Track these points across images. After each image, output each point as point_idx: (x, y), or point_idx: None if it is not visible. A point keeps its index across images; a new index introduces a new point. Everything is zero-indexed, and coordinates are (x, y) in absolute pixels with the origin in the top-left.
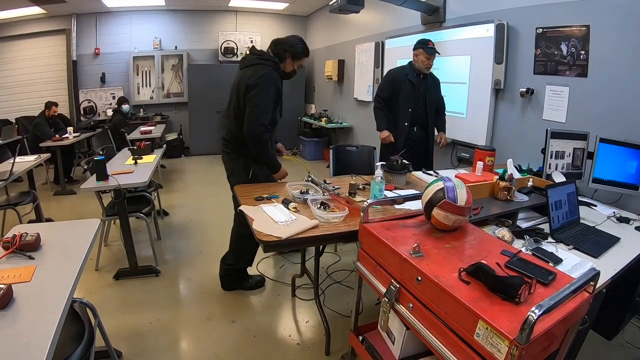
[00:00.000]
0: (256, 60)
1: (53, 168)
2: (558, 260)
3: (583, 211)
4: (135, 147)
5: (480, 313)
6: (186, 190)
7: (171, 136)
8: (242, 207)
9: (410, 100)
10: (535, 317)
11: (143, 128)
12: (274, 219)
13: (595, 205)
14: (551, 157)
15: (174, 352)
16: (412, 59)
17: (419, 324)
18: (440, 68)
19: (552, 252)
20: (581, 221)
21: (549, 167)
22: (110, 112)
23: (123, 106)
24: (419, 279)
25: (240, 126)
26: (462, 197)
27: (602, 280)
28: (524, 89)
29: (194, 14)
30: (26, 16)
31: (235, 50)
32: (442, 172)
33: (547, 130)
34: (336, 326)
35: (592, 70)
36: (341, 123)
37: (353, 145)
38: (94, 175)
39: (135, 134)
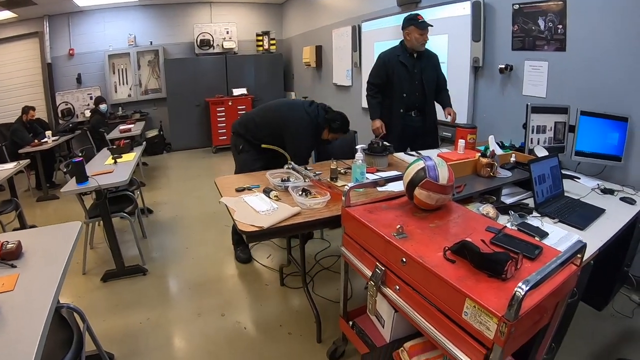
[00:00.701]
0: (306, 110)
1: (34, 174)
2: (544, 234)
3: (567, 184)
4: (114, 147)
5: (466, 291)
6: (169, 187)
7: (151, 133)
8: (222, 199)
9: (404, 84)
10: (522, 293)
11: (122, 127)
12: (256, 208)
13: (579, 178)
14: (532, 132)
15: (166, 351)
16: (403, 39)
17: (406, 305)
18: None
19: (537, 227)
20: (565, 194)
21: (531, 142)
22: (88, 113)
23: (100, 106)
24: (404, 260)
25: (260, 129)
26: (443, 175)
27: (590, 252)
28: (503, 66)
29: (168, 8)
30: None
31: (211, 42)
32: (425, 153)
33: (527, 105)
34: (327, 313)
35: (571, 44)
36: None
37: None
38: (75, 178)
39: (114, 133)
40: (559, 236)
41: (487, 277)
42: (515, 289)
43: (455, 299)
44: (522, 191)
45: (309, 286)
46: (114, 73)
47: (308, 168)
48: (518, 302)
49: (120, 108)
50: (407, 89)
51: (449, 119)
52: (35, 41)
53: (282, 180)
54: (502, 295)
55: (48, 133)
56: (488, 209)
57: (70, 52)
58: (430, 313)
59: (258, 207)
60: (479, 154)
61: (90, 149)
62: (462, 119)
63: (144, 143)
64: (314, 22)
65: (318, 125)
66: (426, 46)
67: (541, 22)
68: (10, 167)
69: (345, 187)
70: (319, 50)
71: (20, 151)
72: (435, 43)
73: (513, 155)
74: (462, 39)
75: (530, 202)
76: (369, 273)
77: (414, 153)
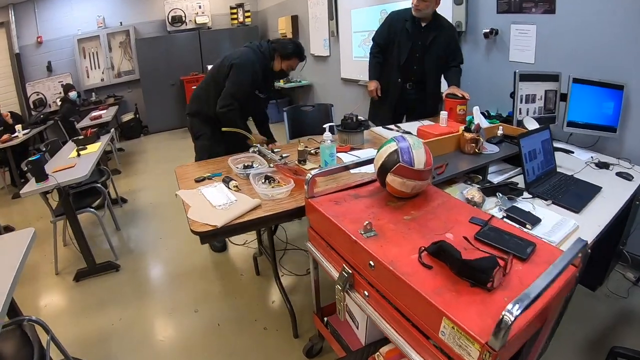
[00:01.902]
0: (247, 45)
1: (8, 170)
2: (536, 221)
3: (559, 158)
4: (79, 137)
5: (443, 309)
6: (145, 172)
7: (127, 117)
8: (179, 192)
9: (402, 53)
10: (512, 319)
11: (93, 114)
12: (212, 202)
13: (572, 152)
14: (521, 101)
15: (140, 353)
16: None
17: (376, 315)
18: None
19: (529, 212)
20: (558, 170)
21: (520, 113)
22: (59, 102)
23: (70, 94)
24: (372, 264)
25: (209, 93)
26: (419, 158)
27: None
28: (488, 30)
29: None
30: None
31: (184, 18)
32: (405, 125)
33: (515, 72)
34: (305, 303)
35: (561, 6)
36: (300, 82)
37: (308, 105)
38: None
39: (86, 122)
40: (553, 222)
41: (469, 285)
42: (503, 313)
43: (431, 315)
44: (511, 167)
45: (282, 276)
46: (84, 58)
47: (275, 150)
48: (506, 328)
49: (93, 93)
50: (404, 59)
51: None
52: (1, 32)
53: (245, 167)
54: (486, 312)
55: (18, 127)
56: (473, 193)
57: (39, 39)
58: (403, 327)
59: (215, 200)
60: (463, 127)
61: (56, 142)
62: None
63: (112, 130)
64: None
65: (263, 55)
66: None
67: None
68: None
69: (308, 175)
70: (294, 20)
71: None
72: None
73: (500, 127)
74: (443, 3)
75: (520, 180)
76: (336, 274)
77: (392, 127)
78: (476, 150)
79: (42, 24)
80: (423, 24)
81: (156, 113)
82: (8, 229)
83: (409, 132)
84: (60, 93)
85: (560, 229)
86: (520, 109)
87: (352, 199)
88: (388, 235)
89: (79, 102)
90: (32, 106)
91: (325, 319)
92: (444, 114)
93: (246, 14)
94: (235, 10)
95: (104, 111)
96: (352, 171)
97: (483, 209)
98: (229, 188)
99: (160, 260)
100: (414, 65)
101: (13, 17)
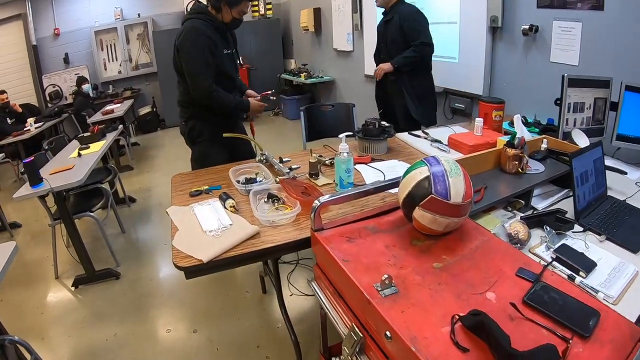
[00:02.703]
0: (185, 18)
1: (18, 165)
2: (590, 266)
3: (609, 178)
4: (84, 135)
5: None
6: (159, 170)
7: (144, 110)
8: (169, 210)
9: (377, 44)
10: None
11: (106, 108)
12: (203, 226)
13: (626, 173)
14: (568, 110)
15: None
16: None
17: None
18: (424, 7)
19: (581, 253)
20: (608, 193)
21: (566, 123)
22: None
23: (83, 86)
24: (388, 335)
25: (185, 89)
26: (457, 189)
27: None
28: (527, 26)
29: None
30: None
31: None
32: (434, 132)
33: (563, 77)
34: (314, 330)
35: (610, 2)
36: (322, 77)
37: (327, 104)
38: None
39: (97, 116)
40: (609, 267)
41: None
42: None
43: None
44: (555, 189)
45: (290, 295)
46: (102, 50)
47: (285, 159)
48: None
49: (110, 86)
50: (375, 51)
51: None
52: (19, 24)
53: (247, 181)
54: None
55: (30, 120)
56: (517, 227)
57: (56, 31)
58: None
59: (206, 223)
60: (505, 139)
61: (61, 139)
62: (477, 88)
63: (120, 127)
64: None
65: (202, 14)
66: (432, 3)
67: None
68: None
69: (315, 202)
70: (317, 13)
71: (1, 142)
72: (445, 0)
73: (544, 140)
74: None
75: (567, 205)
76: (344, 330)
77: (420, 134)
78: (519, 169)
79: (59, 15)
80: (387, 14)
81: (174, 107)
82: (14, 225)
83: (438, 141)
84: (74, 86)
85: (618, 277)
86: (567, 120)
87: (370, 233)
88: (412, 293)
89: (95, 94)
90: (48, 98)
91: None
92: (479, 121)
93: (267, 6)
94: (256, 3)
95: (117, 105)
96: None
97: (528, 247)
98: (225, 208)
99: (163, 270)
100: (381, 55)
101: (30, 8)
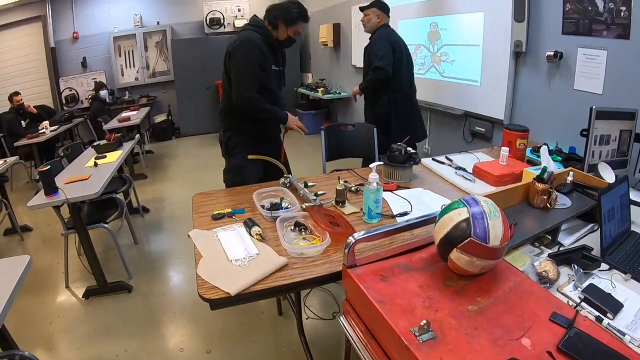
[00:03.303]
0: (243, 28)
1: (34, 166)
2: (617, 307)
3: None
4: (100, 143)
5: None
6: (173, 179)
7: (160, 118)
8: (192, 234)
9: None
10: None
11: (123, 114)
12: (228, 254)
13: None
14: (595, 142)
15: None
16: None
17: None
18: (448, 28)
19: (609, 293)
20: (631, 227)
21: (592, 156)
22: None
23: (101, 92)
24: None
25: (229, 98)
26: (496, 232)
27: None
28: (551, 53)
29: None
30: None
31: (222, 21)
32: (458, 158)
33: (591, 109)
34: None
35: (636, 31)
36: (339, 93)
37: (348, 123)
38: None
39: (113, 123)
40: (635, 308)
41: None
42: None
43: None
44: (581, 223)
45: (306, 319)
46: (120, 56)
47: (310, 184)
48: None
49: (127, 92)
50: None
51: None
52: (38, 25)
53: (272, 206)
54: None
55: (45, 123)
56: (547, 266)
57: (75, 35)
58: None
59: (232, 251)
60: (531, 171)
61: (77, 146)
62: (498, 113)
63: (137, 136)
64: None
65: (259, 27)
66: (456, 25)
67: (600, 2)
68: None
69: (350, 238)
70: (336, 28)
71: (16, 144)
72: (469, 22)
73: (570, 173)
74: (501, 18)
75: (592, 240)
76: None
77: (444, 160)
78: (547, 204)
79: (78, 19)
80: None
81: (189, 116)
82: (25, 229)
83: (463, 169)
84: (92, 90)
85: None
86: (592, 152)
87: (402, 271)
88: (449, 339)
89: (111, 100)
90: (64, 101)
91: None
92: (504, 151)
93: None
94: None
95: (134, 112)
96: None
97: (556, 286)
98: (250, 235)
99: (175, 285)
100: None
101: (50, 11)
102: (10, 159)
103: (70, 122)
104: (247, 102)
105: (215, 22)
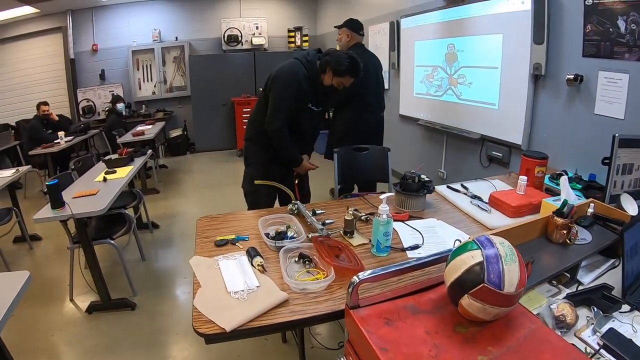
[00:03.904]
0: (295, 55)
1: (47, 175)
2: (639, 356)
3: None
4: (111, 158)
5: None
6: (184, 196)
7: (175, 132)
8: (192, 262)
9: None
10: None
11: (139, 128)
12: (227, 285)
13: None
14: (617, 172)
15: None
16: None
17: None
18: (465, 50)
19: (629, 340)
20: None
21: (614, 186)
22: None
23: (118, 105)
24: None
25: (262, 111)
26: (511, 277)
27: None
28: (572, 76)
29: (194, 2)
30: (20, 17)
31: (240, 38)
32: (473, 185)
33: (614, 137)
34: None
35: None
36: None
37: (362, 146)
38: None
39: (127, 137)
40: None
41: None
42: None
43: None
44: (601, 259)
45: (311, 348)
46: (138, 69)
47: (318, 212)
48: None
49: (143, 106)
50: None
51: None
52: (58, 36)
53: (276, 235)
54: None
55: (61, 134)
56: (565, 310)
57: (94, 47)
58: None
59: (231, 282)
60: (550, 202)
61: (88, 159)
62: (516, 137)
63: (149, 151)
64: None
65: (310, 64)
66: (474, 47)
67: (621, 23)
68: (8, 174)
69: (354, 278)
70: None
71: (31, 153)
72: (487, 45)
73: (591, 205)
74: (520, 41)
75: (612, 277)
76: None
77: (459, 188)
78: (567, 240)
79: (98, 32)
80: None
81: (204, 132)
82: (35, 238)
83: (478, 197)
84: (109, 102)
85: None
86: (614, 182)
87: (409, 314)
88: None
89: (127, 113)
90: (80, 112)
91: None
92: (522, 180)
93: (304, 38)
94: (293, 34)
95: (149, 127)
96: (408, 252)
97: (574, 330)
98: (252, 265)
99: (181, 305)
100: None
101: (71, 23)
102: (23, 168)
103: (86, 134)
104: (273, 132)
105: (233, 39)
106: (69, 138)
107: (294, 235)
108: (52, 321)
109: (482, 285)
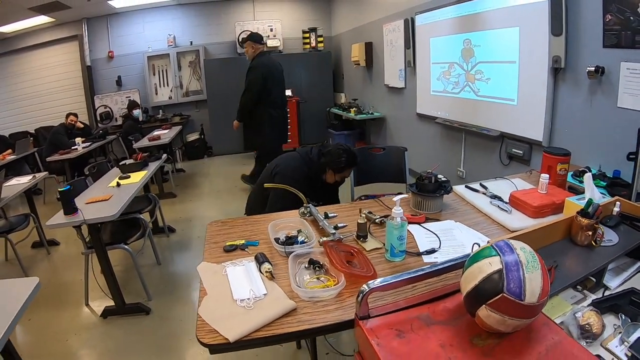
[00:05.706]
0: (297, 150)
1: (65, 181)
2: None
3: None
4: (125, 163)
5: None
6: (201, 199)
7: (193, 136)
8: (199, 268)
9: None
10: None
11: (155, 133)
12: (234, 292)
13: None
14: None
15: None
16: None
17: None
18: (482, 44)
19: None
20: None
21: None
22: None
23: (134, 111)
24: None
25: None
26: (533, 287)
27: None
28: (592, 68)
29: (208, 6)
30: (36, 26)
31: None
32: (492, 184)
33: (639, 131)
34: None
35: None
36: (372, 113)
37: (378, 146)
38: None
39: (143, 142)
40: None
41: None
42: None
43: None
44: (628, 261)
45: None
46: (154, 75)
47: (331, 215)
48: None
49: (160, 110)
50: None
51: None
52: (74, 44)
53: (287, 240)
54: None
55: (78, 140)
56: (591, 318)
57: (110, 54)
58: None
59: (238, 290)
60: (573, 201)
61: (103, 165)
62: (536, 134)
63: (164, 156)
64: (364, 16)
65: (312, 161)
66: (490, 41)
67: None
68: (25, 180)
69: (363, 286)
70: (368, 47)
71: (48, 159)
72: (504, 38)
73: (617, 203)
74: (537, 33)
75: (639, 281)
76: None
77: (478, 188)
78: (593, 242)
79: (114, 39)
80: None
81: (221, 135)
82: (53, 242)
83: (498, 197)
84: (126, 108)
85: None
86: None
87: (423, 325)
88: None
89: (144, 118)
90: (98, 118)
91: None
92: (544, 178)
93: (319, 39)
94: (307, 35)
95: (165, 131)
96: (425, 256)
97: (600, 340)
98: (260, 272)
99: (194, 311)
100: None
101: (86, 30)
102: (40, 175)
103: (103, 140)
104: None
105: None
106: (85, 144)
107: (305, 240)
108: (67, 325)
109: (501, 295)
